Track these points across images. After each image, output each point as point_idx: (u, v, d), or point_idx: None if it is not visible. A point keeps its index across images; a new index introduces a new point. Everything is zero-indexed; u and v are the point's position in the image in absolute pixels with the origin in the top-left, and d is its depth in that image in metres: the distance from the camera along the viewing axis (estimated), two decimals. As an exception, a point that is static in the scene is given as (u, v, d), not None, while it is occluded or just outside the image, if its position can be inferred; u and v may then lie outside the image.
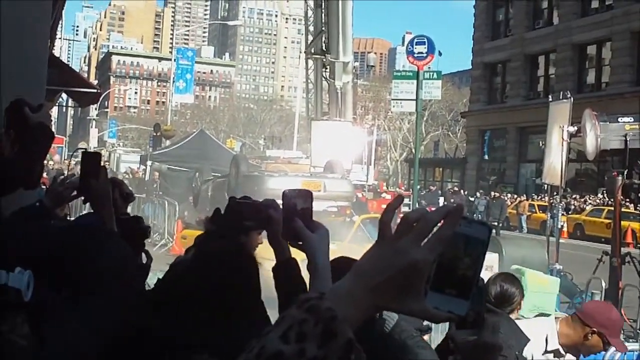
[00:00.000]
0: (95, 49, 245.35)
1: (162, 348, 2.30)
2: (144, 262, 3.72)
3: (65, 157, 61.39)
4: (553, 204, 19.86)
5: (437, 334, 7.69)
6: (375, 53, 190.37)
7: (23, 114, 2.19)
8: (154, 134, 50.29)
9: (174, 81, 64.99)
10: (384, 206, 1.41)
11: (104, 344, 2.20)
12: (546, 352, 5.29)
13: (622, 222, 16.29)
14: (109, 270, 2.39)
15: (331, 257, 2.18)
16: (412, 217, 1.28)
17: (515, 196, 46.83)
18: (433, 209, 1.32)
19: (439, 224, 1.27)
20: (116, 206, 3.77)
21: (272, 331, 1.20)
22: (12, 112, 2.19)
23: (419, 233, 1.26)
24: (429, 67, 24.45)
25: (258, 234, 4.22)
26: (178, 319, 2.36)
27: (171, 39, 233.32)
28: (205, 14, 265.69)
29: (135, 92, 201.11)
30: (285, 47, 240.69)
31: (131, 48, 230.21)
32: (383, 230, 1.30)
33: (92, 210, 3.76)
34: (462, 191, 48.73)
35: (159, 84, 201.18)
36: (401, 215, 1.33)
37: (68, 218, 4.34)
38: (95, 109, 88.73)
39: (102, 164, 2.82)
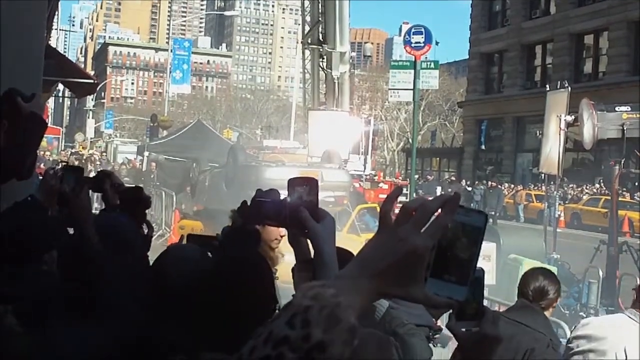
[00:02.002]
0: (92, 40, 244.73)
1: (169, 348, 2.30)
2: (146, 232, 3.74)
3: (62, 148, 61.35)
4: (550, 194, 19.86)
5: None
6: (372, 43, 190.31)
7: (15, 104, 2.17)
8: (151, 124, 50.25)
9: (170, 72, 65.01)
10: (382, 196, 1.44)
11: (113, 347, 2.21)
12: None
13: (619, 211, 16.34)
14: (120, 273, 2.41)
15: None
16: (412, 205, 1.32)
17: (512, 186, 46.84)
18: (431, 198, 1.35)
19: (438, 212, 1.31)
20: (107, 197, 3.80)
21: (279, 318, 1.24)
22: (4, 101, 2.17)
23: (418, 221, 1.30)
24: (426, 57, 24.45)
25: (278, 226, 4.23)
26: (187, 319, 2.36)
27: (168, 29, 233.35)
28: (201, 5, 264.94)
29: (132, 83, 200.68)
30: (282, 38, 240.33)
31: (128, 39, 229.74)
32: (383, 220, 1.34)
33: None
34: (463, 181, 48.61)
35: (156, 74, 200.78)
36: (399, 205, 1.36)
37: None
38: (92, 99, 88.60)
39: (83, 178, 2.80)
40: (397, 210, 1.34)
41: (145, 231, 3.73)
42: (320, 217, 2.07)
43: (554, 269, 13.00)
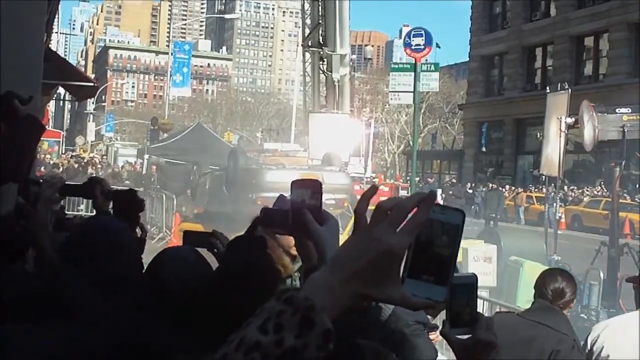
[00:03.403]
0: (92, 43, 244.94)
1: (166, 350, 2.29)
2: (140, 235, 3.73)
3: (63, 152, 61.41)
4: (550, 195, 19.85)
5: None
6: (373, 46, 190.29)
7: (12, 107, 2.16)
8: (152, 127, 50.29)
9: (171, 75, 64.97)
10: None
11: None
12: None
13: (620, 213, 16.33)
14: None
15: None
16: (386, 205, 1.30)
17: (513, 188, 46.84)
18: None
19: (413, 211, 1.28)
20: (97, 204, 3.81)
21: (251, 323, 1.22)
22: (1, 104, 2.16)
23: (393, 220, 1.27)
24: (427, 60, 24.49)
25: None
26: (186, 321, 2.35)
27: (168, 32, 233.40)
28: (202, 8, 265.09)
29: (133, 86, 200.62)
30: (283, 40, 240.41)
31: (128, 42, 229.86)
32: (358, 220, 1.32)
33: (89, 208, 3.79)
34: (468, 184, 48.48)
35: (156, 77, 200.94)
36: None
37: (65, 211, 4.35)
38: (93, 103, 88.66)
39: (44, 192, 2.80)
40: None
41: (139, 234, 3.72)
42: (324, 219, 2.02)
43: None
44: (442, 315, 1.97)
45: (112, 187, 4.05)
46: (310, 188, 1.99)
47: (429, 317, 4.17)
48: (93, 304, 2.46)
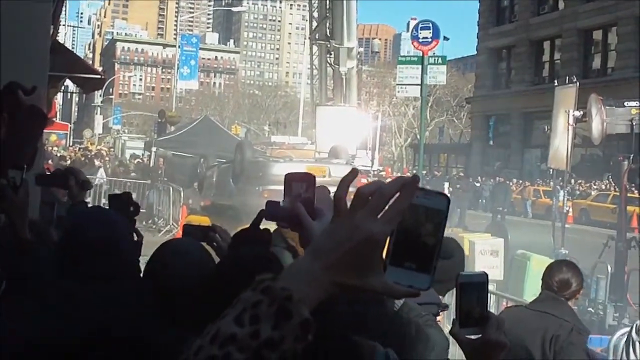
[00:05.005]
0: (100, 36, 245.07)
1: (163, 348, 2.28)
2: (136, 239, 3.72)
3: (70, 144, 61.52)
4: (557, 189, 19.80)
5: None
6: (380, 39, 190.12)
7: (16, 97, 2.15)
8: (159, 120, 50.31)
9: (178, 68, 65.03)
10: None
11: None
12: None
13: (628, 207, 16.27)
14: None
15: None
16: (367, 190, 1.25)
17: (521, 182, 46.75)
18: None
19: (396, 197, 1.24)
20: (73, 194, 3.80)
21: (228, 314, 1.18)
22: (4, 95, 2.15)
23: (375, 206, 1.23)
24: (434, 53, 24.44)
25: None
26: (189, 317, 2.34)
27: (175, 25, 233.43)
28: (209, 1, 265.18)
29: (140, 79, 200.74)
30: (290, 34, 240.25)
31: (135, 35, 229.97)
32: (338, 206, 1.27)
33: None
34: (479, 177, 48.29)
35: (164, 70, 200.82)
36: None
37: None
38: (100, 95, 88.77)
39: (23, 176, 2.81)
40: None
41: (135, 238, 3.70)
42: (318, 214, 2.02)
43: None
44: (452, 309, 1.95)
45: (86, 177, 4.07)
46: (304, 182, 1.98)
47: (439, 296, 4.19)
48: (67, 295, 2.45)
